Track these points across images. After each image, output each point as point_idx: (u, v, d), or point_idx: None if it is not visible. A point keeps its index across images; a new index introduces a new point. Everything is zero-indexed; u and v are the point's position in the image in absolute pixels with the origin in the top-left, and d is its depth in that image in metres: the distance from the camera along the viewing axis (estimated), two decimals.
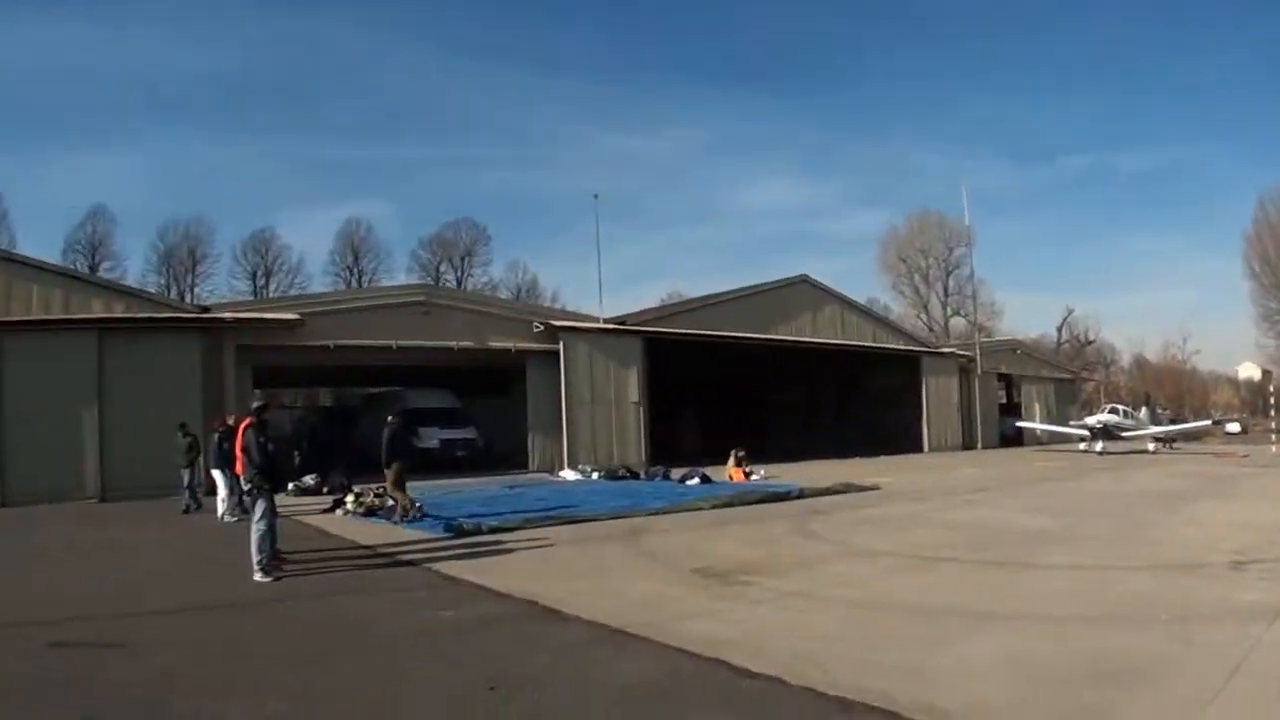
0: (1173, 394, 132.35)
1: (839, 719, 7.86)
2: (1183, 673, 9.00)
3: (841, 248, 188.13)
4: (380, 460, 24.58)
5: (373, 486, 26.73)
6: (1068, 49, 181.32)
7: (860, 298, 70.71)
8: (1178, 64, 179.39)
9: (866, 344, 59.96)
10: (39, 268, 35.82)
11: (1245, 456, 53.19)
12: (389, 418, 25.42)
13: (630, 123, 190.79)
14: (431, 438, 44.99)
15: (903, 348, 63.27)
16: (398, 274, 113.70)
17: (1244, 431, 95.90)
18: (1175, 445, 63.25)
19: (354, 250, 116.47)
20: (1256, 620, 11.07)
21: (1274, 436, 62.86)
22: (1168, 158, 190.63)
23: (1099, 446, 55.58)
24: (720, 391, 68.97)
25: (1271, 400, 68.63)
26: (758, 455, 42.16)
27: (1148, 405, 70.16)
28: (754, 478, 36.53)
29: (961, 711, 7.80)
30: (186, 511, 27.74)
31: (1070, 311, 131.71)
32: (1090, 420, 59.39)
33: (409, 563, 17.53)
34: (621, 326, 46.95)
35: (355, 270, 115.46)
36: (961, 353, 67.97)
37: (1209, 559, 16.04)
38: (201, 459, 28.97)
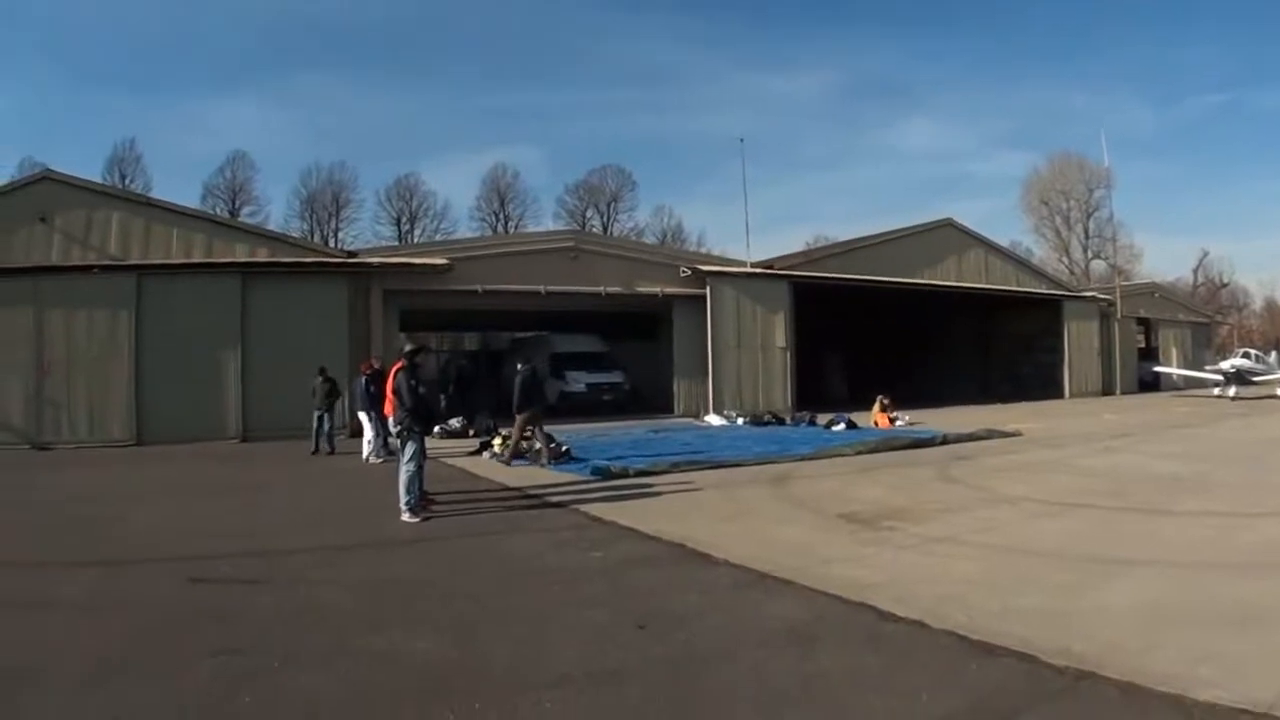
0: None
1: (979, 662, 8.05)
2: None
3: (985, 190, 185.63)
4: (512, 405, 25.01)
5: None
6: None
7: (1003, 240, 70.01)
8: None
9: (1010, 288, 59.04)
10: (180, 212, 37.02)
11: None
12: (519, 365, 25.80)
13: (775, 65, 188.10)
14: (578, 382, 45.59)
15: (1045, 291, 62.18)
16: (544, 220, 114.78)
17: None
18: None
19: (500, 196, 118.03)
20: None
21: None
22: None
23: (1232, 391, 54.54)
24: (865, 336, 68.29)
25: None
26: (902, 401, 41.87)
27: (1278, 350, 68.90)
28: (898, 424, 36.44)
29: (1096, 655, 7.93)
30: (320, 453, 28.76)
31: (1205, 254, 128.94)
32: (1224, 365, 58.21)
33: (556, 504, 17.91)
34: (769, 271, 46.75)
35: (501, 216, 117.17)
36: (1102, 296, 66.64)
37: None
38: (340, 403, 29.86)
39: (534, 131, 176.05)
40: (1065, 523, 14.95)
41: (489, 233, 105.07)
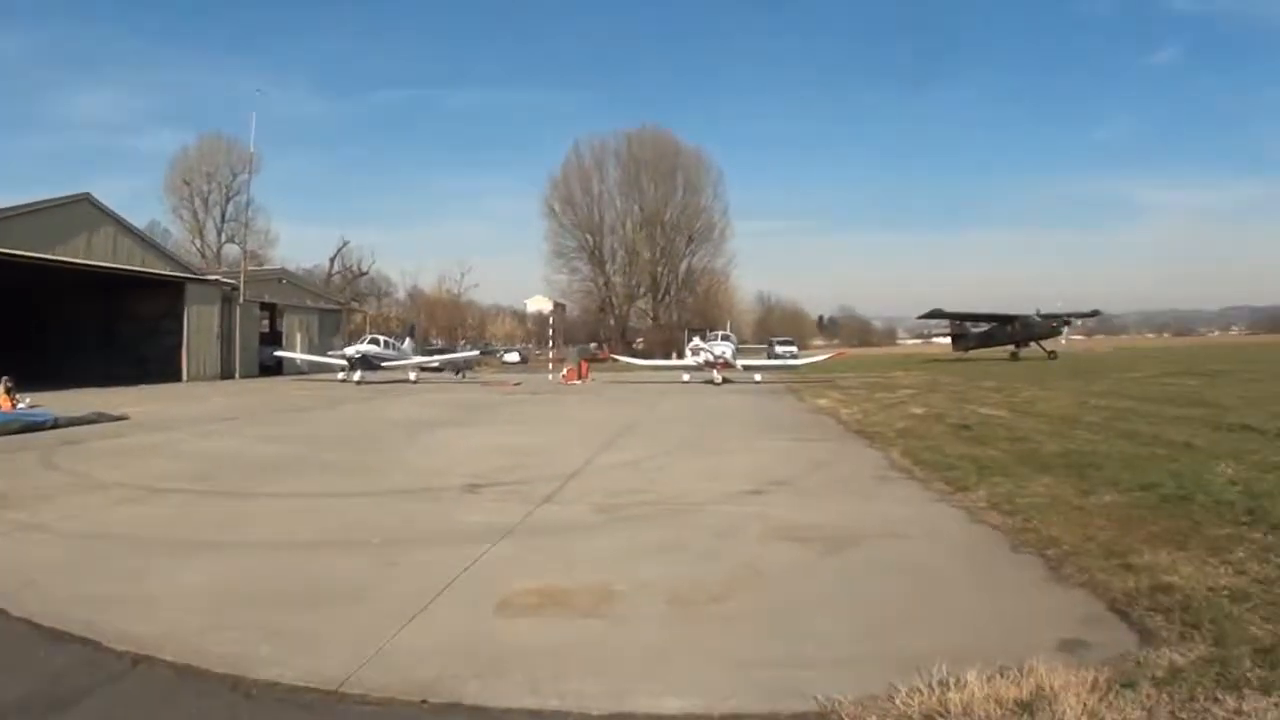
0: (446, 325, 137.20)
1: (48, 648, 7.77)
2: (386, 593, 9.31)
3: (148, 166, 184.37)
4: None
5: None
6: None
7: (144, 220, 69.26)
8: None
9: (134, 269, 58.17)
10: None
11: (518, 385, 57.38)
12: None
13: None
14: None
15: (169, 274, 62.01)
16: None
17: (524, 361, 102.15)
18: (464, 374, 67.00)
19: None
20: (479, 542, 11.49)
21: (550, 366, 66.66)
22: (481, 100, 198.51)
23: (357, 376, 57.01)
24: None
25: (550, 332, 72.84)
26: (31, 382, 39.66)
27: (411, 336, 72.43)
28: (20, 406, 34.63)
29: (156, 638, 7.84)
30: None
31: (345, 243, 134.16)
32: (349, 350, 60.87)
33: None
34: None
35: None
36: (226, 280, 67.63)
37: (444, 483, 16.73)
38: None
39: None
40: (151, 508, 14.73)
41: None
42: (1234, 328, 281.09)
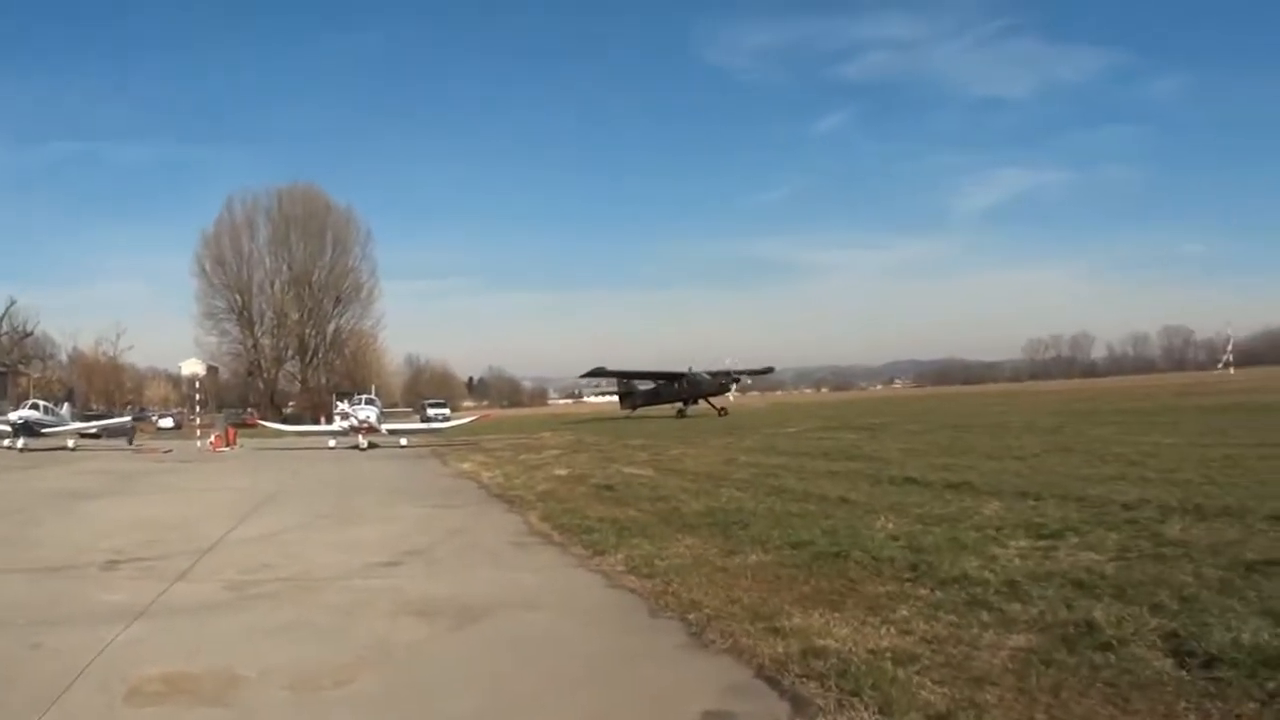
0: (104, 389, 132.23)
1: None
2: (29, 678, 8.78)
3: None
4: None
5: None
6: None
7: None
8: None
9: None
10: None
11: (168, 452, 55.62)
12: None
13: None
14: None
15: None
16: None
17: (179, 426, 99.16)
18: (133, 440, 65.19)
19: None
20: (115, 622, 10.87)
21: (199, 432, 65.22)
22: (149, 154, 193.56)
23: (20, 443, 54.56)
24: None
25: (199, 397, 71.21)
26: None
27: (70, 401, 70.00)
28: None
29: None
30: None
31: (13, 302, 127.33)
32: (12, 416, 58.09)
33: None
34: None
35: None
36: None
37: (89, 559, 16.21)
38: None
39: None
40: None
41: None
42: (898, 381, 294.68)
